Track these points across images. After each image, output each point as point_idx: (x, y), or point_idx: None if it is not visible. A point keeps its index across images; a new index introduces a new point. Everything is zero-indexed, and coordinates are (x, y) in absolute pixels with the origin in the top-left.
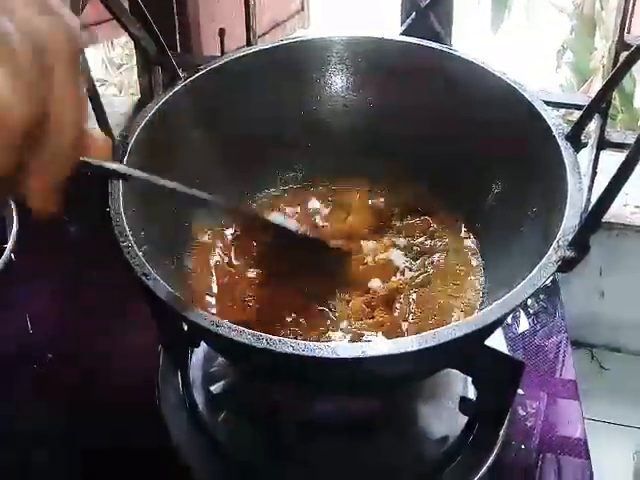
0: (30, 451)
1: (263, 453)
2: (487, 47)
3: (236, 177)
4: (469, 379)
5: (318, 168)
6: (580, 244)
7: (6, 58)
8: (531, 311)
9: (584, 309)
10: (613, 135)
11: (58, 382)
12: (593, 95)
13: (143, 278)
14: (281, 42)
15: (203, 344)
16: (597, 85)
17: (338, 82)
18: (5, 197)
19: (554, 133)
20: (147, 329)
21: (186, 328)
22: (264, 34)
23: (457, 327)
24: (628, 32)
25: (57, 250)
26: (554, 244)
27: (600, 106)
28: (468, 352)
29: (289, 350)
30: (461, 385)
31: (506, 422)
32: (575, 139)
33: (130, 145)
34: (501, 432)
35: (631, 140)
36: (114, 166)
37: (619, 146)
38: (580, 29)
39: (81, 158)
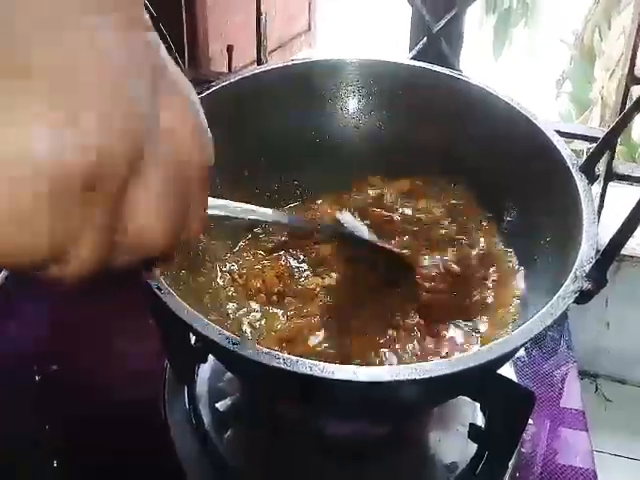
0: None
1: (270, 472)
2: (488, 74)
3: (242, 194)
4: (478, 405)
5: (325, 188)
6: (597, 276)
7: (160, 177)
8: (538, 339)
9: (589, 339)
10: (620, 167)
11: (60, 396)
12: (592, 125)
13: (157, 292)
14: (293, 61)
15: (210, 359)
16: (596, 115)
17: (350, 103)
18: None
19: (568, 165)
20: (154, 340)
21: (194, 343)
22: (271, 52)
23: (475, 356)
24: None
25: None
26: (571, 275)
27: (614, 140)
28: (480, 380)
29: (307, 371)
30: (471, 411)
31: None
32: (588, 171)
33: None
34: (510, 463)
35: (638, 173)
36: None
37: (625, 178)
38: (579, 59)
39: None
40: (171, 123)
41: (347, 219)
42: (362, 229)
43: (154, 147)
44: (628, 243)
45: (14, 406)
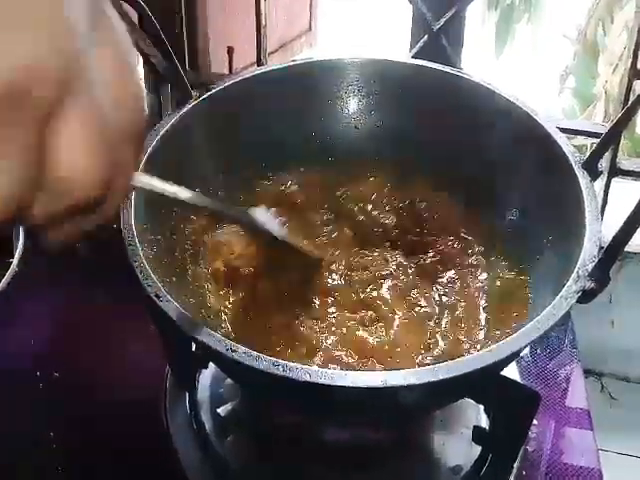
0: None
1: (271, 477)
2: (491, 70)
3: (241, 195)
4: (482, 407)
5: (324, 189)
6: (600, 275)
7: (90, 114)
8: (542, 338)
9: (593, 338)
10: (624, 162)
11: (60, 396)
12: (596, 120)
13: (156, 299)
14: (294, 62)
15: (211, 365)
16: (600, 110)
17: (350, 103)
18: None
19: (570, 161)
20: (155, 347)
21: (194, 349)
22: (272, 53)
23: (479, 358)
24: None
25: (64, 265)
26: (574, 275)
27: (618, 135)
28: (484, 382)
29: (306, 378)
30: (474, 413)
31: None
32: (591, 168)
33: (142, 163)
34: (515, 465)
35: None
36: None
37: (630, 174)
38: (582, 54)
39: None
40: (106, 67)
41: (261, 214)
42: (275, 225)
43: (86, 80)
44: (632, 240)
45: (14, 406)
